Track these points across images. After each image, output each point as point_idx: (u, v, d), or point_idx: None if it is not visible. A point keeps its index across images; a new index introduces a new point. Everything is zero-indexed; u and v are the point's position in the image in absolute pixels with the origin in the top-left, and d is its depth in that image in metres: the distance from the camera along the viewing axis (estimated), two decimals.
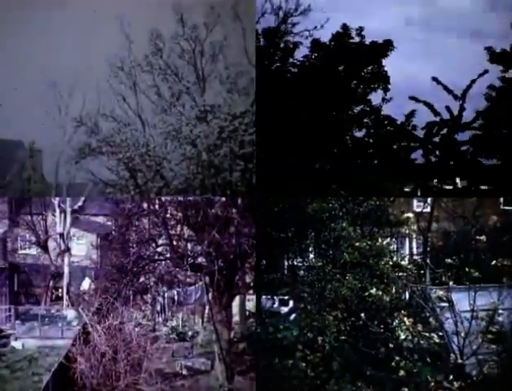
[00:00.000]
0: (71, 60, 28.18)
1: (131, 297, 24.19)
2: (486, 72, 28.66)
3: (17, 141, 32.80)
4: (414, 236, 27.83)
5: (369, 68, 30.24)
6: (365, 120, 30.39)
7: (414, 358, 19.52)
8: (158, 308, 28.10)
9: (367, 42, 30.12)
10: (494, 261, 22.14)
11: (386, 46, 29.89)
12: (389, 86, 30.13)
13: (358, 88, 30.38)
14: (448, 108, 29.23)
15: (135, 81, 28.42)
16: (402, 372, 19.39)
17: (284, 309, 25.80)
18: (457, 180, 29.04)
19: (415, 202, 28.51)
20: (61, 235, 30.62)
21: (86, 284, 29.84)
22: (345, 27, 30.18)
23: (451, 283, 21.10)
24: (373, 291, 20.19)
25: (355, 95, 30.37)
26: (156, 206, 24.20)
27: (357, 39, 30.10)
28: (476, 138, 28.94)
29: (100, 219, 32.14)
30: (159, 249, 24.14)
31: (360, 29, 29.98)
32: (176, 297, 28.68)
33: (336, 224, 22.79)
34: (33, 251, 31.61)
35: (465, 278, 20.80)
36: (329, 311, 20.64)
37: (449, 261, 22.26)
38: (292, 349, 20.68)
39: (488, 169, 28.71)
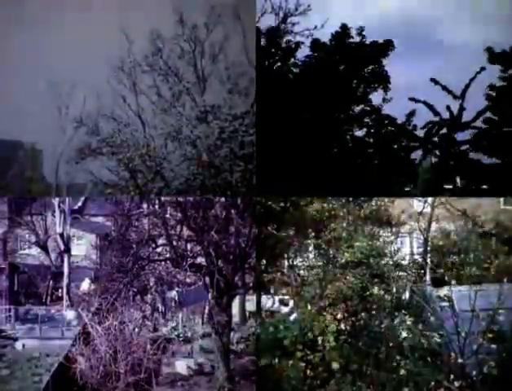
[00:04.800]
0: (71, 60, 28.19)
1: (131, 297, 24.15)
2: (483, 69, 28.68)
3: (17, 141, 32.82)
4: (415, 236, 27.83)
5: (370, 67, 30.27)
6: (366, 120, 30.45)
7: (415, 357, 19.50)
8: (158, 308, 28.08)
9: (367, 42, 30.18)
10: (495, 261, 22.16)
11: (387, 46, 29.92)
12: (389, 86, 30.20)
13: (358, 88, 30.41)
14: (448, 108, 29.26)
15: (135, 82, 28.45)
16: (402, 372, 19.38)
17: (285, 309, 25.78)
18: (457, 180, 29.08)
19: (415, 202, 28.50)
20: (61, 235, 30.57)
21: (86, 285, 29.80)
22: (345, 27, 30.23)
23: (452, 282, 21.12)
24: (374, 290, 20.18)
25: (356, 95, 30.40)
26: (156, 206, 24.17)
27: (357, 39, 30.16)
28: (476, 137, 29.00)
29: (100, 219, 32.10)
30: (159, 249, 24.11)
31: (361, 29, 30.03)
32: (176, 297, 28.68)
33: (336, 224, 22.81)
34: (33, 251, 31.57)
35: (466, 277, 20.82)
36: (330, 311, 20.62)
37: (449, 260, 22.27)
38: (292, 349, 20.64)
39: (488, 168, 28.75)
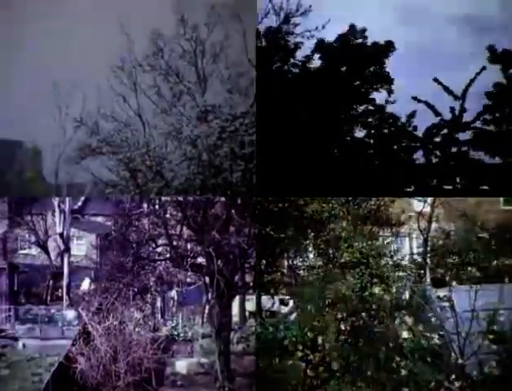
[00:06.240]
0: (71, 60, 28.22)
1: (131, 297, 24.15)
2: (484, 68, 28.63)
3: (17, 141, 32.84)
4: (414, 236, 27.84)
5: (371, 68, 30.24)
6: (366, 121, 30.43)
7: (415, 357, 19.49)
8: (158, 308, 28.09)
9: (368, 43, 30.16)
10: (495, 261, 22.16)
11: (388, 47, 29.90)
12: (392, 87, 30.17)
13: (359, 88, 30.39)
14: (452, 110, 29.21)
15: (136, 81, 28.44)
16: (402, 372, 19.38)
17: (285, 309, 25.78)
18: (457, 180, 29.05)
19: (415, 202, 28.51)
20: (61, 235, 30.59)
21: (86, 284, 29.82)
22: (346, 28, 30.23)
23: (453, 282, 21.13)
24: (374, 290, 20.16)
25: (356, 96, 30.38)
26: (157, 206, 24.18)
27: (359, 40, 30.13)
28: (476, 137, 28.97)
29: (100, 219, 32.11)
30: (159, 249, 24.13)
31: (363, 30, 30.01)
32: (176, 297, 28.71)
33: (336, 224, 22.81)
34: (33, 251, 31.59)
35: (466, 277, 20.83)
36: (329, 311, 20.62)
37: (449, 260, 22.27)
38: (292, 349, 20.65)
39: (489, 169, 28.72)
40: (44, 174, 33.30)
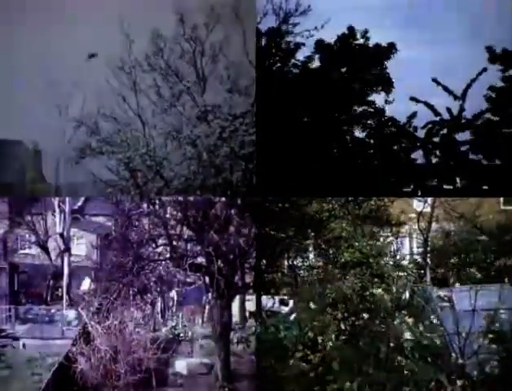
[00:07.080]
0: (71, 60, 28.14)
1: (131, 297, 24.16)
2: (484, 70, 28.61)
3: (17, 141, 32.74)
4: (414, 236, 27.86)
5: (372, 70, 30.23)
6: (366, 121, 30.44)
7: (415, 357, 19.50)
8: (158, 308, 28.09)
9: (370, 44, 30.16)
10: (497, 262, 22.19)
11: (389, 49, 29.91)
12: (391, 88, 30.15)
13: (359, 89, 30.38)
14: (448, 110, 29.20)
15: (135, 81, 28.36)
16: (403, 372, 19.38)
17: (285, 309, 25.81)
18: (457, 180, 29.04)
19: (415, 202, 28.52)
20: (61, 235, 30.56)
21: (86, 284, 29.80)
22: (347, 28, 30.23)
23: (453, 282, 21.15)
24: (374, 290, 20.18)
25: (356, 96, 30.38)
26: (156, 206, 24.21)
27: (360, 41, 30.15)
28: (476, 138, 28.97)
29: (100, 219, 32.05)
30: (159, 249, 24.17)
31: (365, 31, 30.02)
32: (176, 297, 28.71)
33: (336, 224, 22.84)
34: (33, 251, 31.54)
35: (466, 277, 20.84)
36: (330, 311, 20.63)
37: (450, 260, 22.29)
38: (292, 349, 20.66)
39: (488, 169, 28.71)
40: (44, 174, 33.19)
